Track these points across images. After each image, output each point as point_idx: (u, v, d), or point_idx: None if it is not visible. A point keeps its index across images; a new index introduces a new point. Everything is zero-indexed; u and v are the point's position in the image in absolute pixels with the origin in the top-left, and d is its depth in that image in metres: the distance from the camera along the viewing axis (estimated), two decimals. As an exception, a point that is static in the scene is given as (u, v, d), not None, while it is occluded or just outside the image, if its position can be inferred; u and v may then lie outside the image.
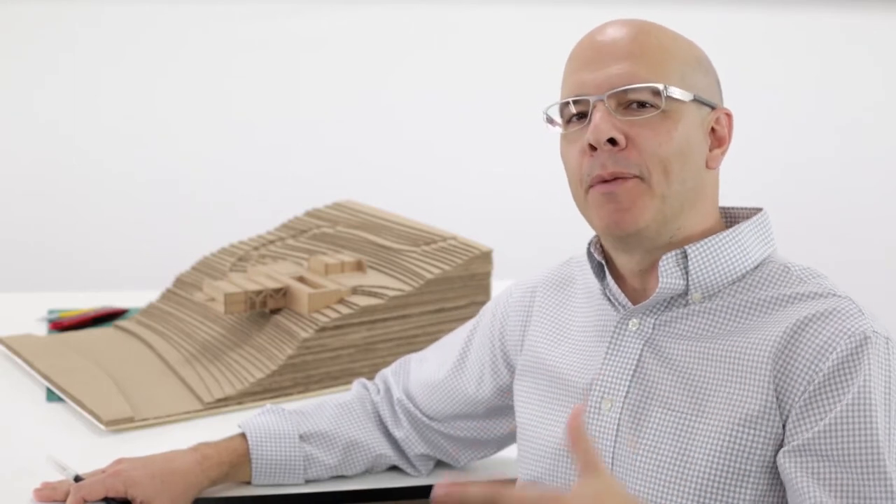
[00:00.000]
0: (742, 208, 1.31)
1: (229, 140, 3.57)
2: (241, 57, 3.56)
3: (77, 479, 1.40)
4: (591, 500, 1.02)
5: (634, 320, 1.27)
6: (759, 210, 1.29)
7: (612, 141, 1.19)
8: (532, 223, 3.51)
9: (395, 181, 3.52)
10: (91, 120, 3.52)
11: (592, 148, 1.20)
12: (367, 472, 1.56)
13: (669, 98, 1.20)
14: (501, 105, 3.61)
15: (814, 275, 1.23)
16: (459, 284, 1.94)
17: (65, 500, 1.38)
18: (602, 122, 1.19)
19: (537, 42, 3.58)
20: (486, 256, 1.96)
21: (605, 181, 1.20)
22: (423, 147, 3.62)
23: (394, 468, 1.57)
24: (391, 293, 1.88)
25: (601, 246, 1.31)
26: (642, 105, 1.20)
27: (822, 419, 1.13)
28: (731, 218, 1.31)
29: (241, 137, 3.57)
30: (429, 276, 1.91)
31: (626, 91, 1.20)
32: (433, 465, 1.57)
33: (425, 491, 1.55)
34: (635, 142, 1.20)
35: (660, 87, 1.19)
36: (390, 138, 3.60)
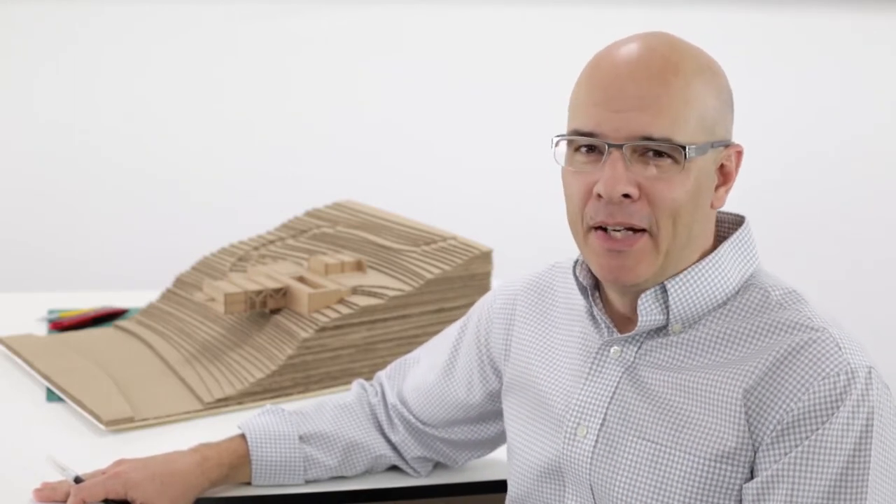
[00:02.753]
0: (725, 213, 1.28)
1: (229, 140, 3.57)
2: (240, 57, 3.55)
3: (77, 479, 1.40)
4: None
5: (616, 347, 1.25)
6: (741, 220, 1.27)
7: (625, 195, 1.16)
8: (532, 223, 3.51)
9: (395, 181, 3.52)
10: (91, 120, 3.52)
11: (600, 196, 1.17)
12: (367, 472, 1.56)
13: (689, 157, 1.16)
14: (501, 105, 3.61)
15: (793, 301, 1.20)
16: (459, 284, 1.94)
17: (65, 501, 1.39)
18: (617, 175, 1.15)
19: (537, 42, 3.58)
20: (486, 256, 1.96)
21: (612, 239, 1.17)
22: (423, 147, 3.61)
23: (393, 468, 1.58)
24: (391, 293, 1.88)
25: (588, 267, 1.28)
26: (659, 154, 1.16)
27: (789, 454, 1.12)
28: (715, 224, 1.28)
29: (241, 137, 3.57)
30: (429, 276, 1.91)
31: (645, 144, 1.16)
32: (432, 467, 1.57)
33: (425, 491, 1.55)
34: (648, 194, 1.16)
35: (682, 147, 1.15)
36: (390, 138, 3.60)
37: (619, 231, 1.18)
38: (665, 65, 1.17)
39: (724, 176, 1.22)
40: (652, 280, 1.20)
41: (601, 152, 1.17)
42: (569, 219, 1.24)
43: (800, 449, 1.11)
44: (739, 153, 1.23)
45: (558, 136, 1.22)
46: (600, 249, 1.19)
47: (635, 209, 1.16)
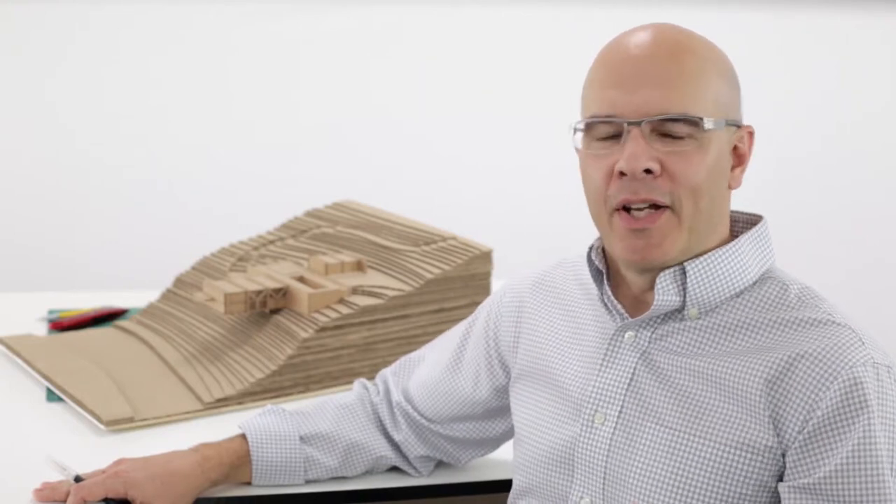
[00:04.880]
0: (742, 213, 1.30)
1: (229, 140, 3.57)
2: (241, 57, 3.55)
3: (77, 479, 1.40)
4: None
5: (630, 332, 1.26)
6: (759, 218, 1.28)
7: (647, 170, 1.17)
8: (532, 223, 3.51)
9: (395, 181, 3.52)
10: (91, 120, 3.52)
11: (623, 174, 1.18)
12: (368, 473, 1.56)
13: (706, 130, 1.18)
14: (502, 105, 3.61)
15: (812, 296, 1.21)
16: (459, 284, 1.94)
17: (65, 501, 1.38)
18: (638, 151, 1.17)
19: (537, 42, 3.58)
20: (486, 256, 1.96)
21: (636, 218, 1.18)
22: (423, 147, 3.61)
23: (394, 468, 1.57)
24: (391, 293, 1.88)
25: (602, 251, 1.30)
26: (677, 132, 1.18)
27: (828, 461, 1.11)
28: (731, 222, 1.29)
29: (241, 138, 3.57)
30: (429, 276, 1.91)
31: (662, 120, 1.17)
32: (434, 466, 1.57)
33: (425, 491, 1.55)
34: (669, 170, 1.18)
35: (698, 119, 1.17)
36: (390, 138, 3.60)
37: (641, 210, 1.19)
38: (676, 46, 1.20)
39: (739, 157, 1.24)
40: (677, 259, 1.21)
41: (619, 135, 1.19)
42: (590, 206, 1.24)
43: (841, 456, 1.11)
44: (751, 134, 1.25)
45: (577, 122, 1.23)
46: (625, 231, 1.20)
47: (657, 185, 1.18)
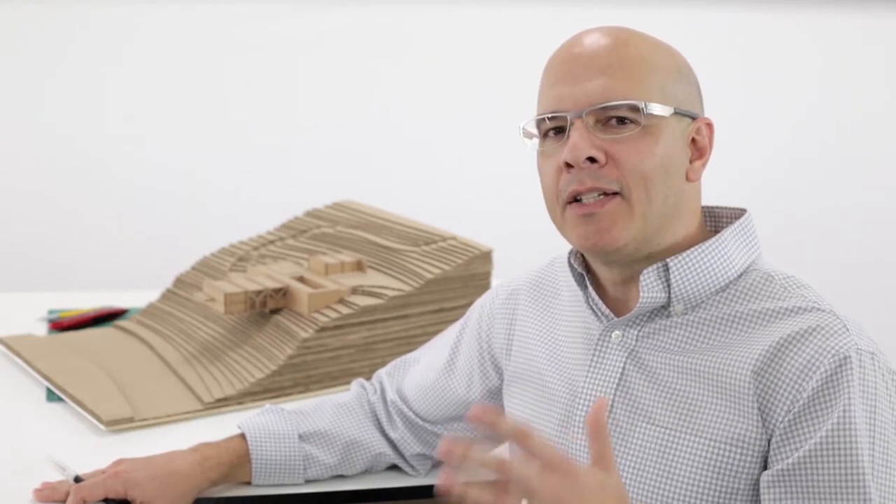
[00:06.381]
0: (726, 208, 1.29)
1: (229, 140, 3.57)
2: (241, 57, 3.55)
3: (77, 479, 1.40)
4: (595, 490, 1.01)
5: (617, 332, 1.26)
6: (742, 212, 1.28)
7: (591, 159, 1.18)
8: (532, 223, 3.50)
9: (394, 181, 3.52)
10: (91, 120, 3.52)
11: (569, 166, 1.19)
12: (367, 471, 1.56)
13: (649, 114, 1.18)
14: (501, 105, 3.61)
15: (797, 285, 1.21)
16: (459, 284, 1.94)
17: (65, 501, 1.38)
18: (580, 141, 1.18)
19: (537, 42, 3.58)
20: (486, 256, 1.96)
21: (584, 204, 1.19)
22: (423, 147, 3.62)
23: (393, 468, 1.57)
24: (391, 293, 1.88)
25: (582, 255, 1.30)
26: (621, 121, 1.19)
27: (803, 445, 1.11)
28: (714, 218, 1.30)
29: (241, 138, 3.57)
30: (429, 276, 1.91)
31: (604, 108, 1.18)
32: (431, 465, 1.57)
33: (425, 491, 1.55)
34: (615, 159, 1.18)
35: (639, 104, 1.18)
36: (390, 139, 3.60)
37: (591, 197, 1.19)
38: (617, 40, 1.21)
39: (699, 150, 1.24)
40: (633, 247, 1.20)
41: (566, 130, 1.20)
42: (547, 204, 1.25)
43: (815, 440, 1.10)
44: (710, 126, 1.25)
45: (524, 122, 1.26)
46: (575, 219, 1.21)
47: (604, 173, 1.18)
